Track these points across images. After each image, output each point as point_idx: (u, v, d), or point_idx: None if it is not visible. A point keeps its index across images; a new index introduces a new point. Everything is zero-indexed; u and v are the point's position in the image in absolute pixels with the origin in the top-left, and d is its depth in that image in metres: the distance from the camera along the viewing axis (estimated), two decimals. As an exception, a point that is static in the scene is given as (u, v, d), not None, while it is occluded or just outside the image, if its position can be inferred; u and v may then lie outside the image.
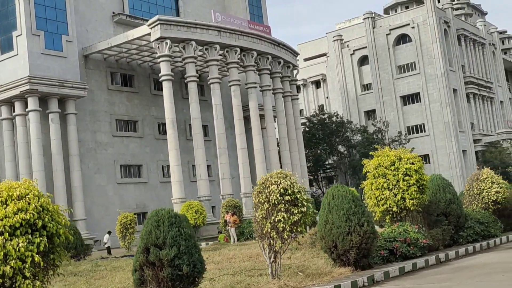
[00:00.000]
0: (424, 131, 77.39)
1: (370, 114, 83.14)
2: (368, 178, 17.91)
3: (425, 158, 77.68)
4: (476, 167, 32.40)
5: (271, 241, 12.72)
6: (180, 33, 47.11)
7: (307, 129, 77.54)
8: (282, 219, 12.63)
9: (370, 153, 19.80)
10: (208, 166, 53.89)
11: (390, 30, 79.64)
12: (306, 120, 78.24)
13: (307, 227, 21.41)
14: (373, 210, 17.74)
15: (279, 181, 12.98)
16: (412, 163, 17.53)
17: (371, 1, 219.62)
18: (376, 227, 17.36)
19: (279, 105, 55.83)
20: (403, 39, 79.59)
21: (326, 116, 77.98)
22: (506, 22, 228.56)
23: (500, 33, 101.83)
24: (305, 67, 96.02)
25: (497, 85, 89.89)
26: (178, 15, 57.89)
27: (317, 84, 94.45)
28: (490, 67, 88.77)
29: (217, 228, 42.14)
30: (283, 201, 12.78)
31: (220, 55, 50.15)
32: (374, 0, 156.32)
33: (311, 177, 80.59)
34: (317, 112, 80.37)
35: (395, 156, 17.61)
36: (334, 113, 78.66)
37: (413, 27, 77.61)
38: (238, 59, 50.91)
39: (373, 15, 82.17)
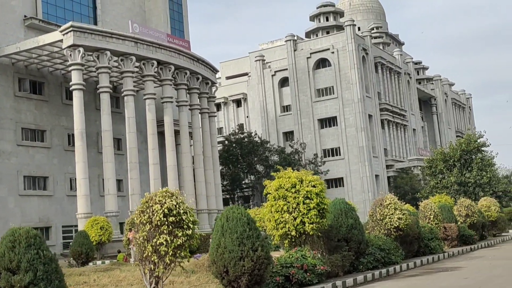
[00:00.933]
0: (339, 155, 78.58)
1: (289, 135, 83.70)
2: (268, 200, 17.27)
3: (339, 181, 78.90)
4: (380, 192, 32.66)
5: (152, 266, 11.77)
6: (94, 41, 45.40)
7: (225, 148, 77.02)
8: (165, 242, 11.71)
9: (272, 173, 19.21)
10: (120, 181, 52.07)
11: (310, 53, 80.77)
12: (224, 139, 77.70)
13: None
14: (271, 233, 17.09)
15: (163, 200, 12.06)
16: (314, 186, 17.04)
17: (295, 24, 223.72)
18: (276, 252, 16.68)
19: (196, 121, 54.89)
20: (323, 63, 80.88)
21: (244, 135, 77.69)
22: (421, 54, 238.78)
23: (416, 63, 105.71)
24: (227, 85, 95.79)
25: (410, 113, 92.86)
26: (95, 23, 55.97)
27: (238, 103, 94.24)
28: (404, 95, 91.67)
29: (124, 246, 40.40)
30: (166, 223, 11.87)
31: (136, 67, 48.72)
32: (298, 23, 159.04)
33: (228, 196, 79.88)
34: (236, 130, 80.00)
35: (296, 178, 17.08)
36: (253, 132, 78.51)
37: (332, 52, 79.05)
38: (155, 72, 49.65)
39: (295, 37, 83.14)
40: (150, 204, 12.12)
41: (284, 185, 17.02)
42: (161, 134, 52.04)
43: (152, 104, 49.28)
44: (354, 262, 18.89)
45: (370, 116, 79.70)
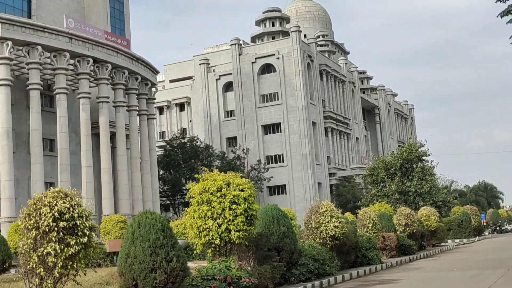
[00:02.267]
0: (283, 162, 77.62)
1: (232, 141, 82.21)
2: (191, 205, 15.67)
3: (282, 188, 77.91)
4: (316, 199, 31.45)
5: (38, 279, 10.03)
6: (25, 35, 42.86)
7: (166, 152, 74.92)
8: (53, 252, 9.98)
9: (196, 176, 17.64)
10: (51, 184, 49.24)
11: (256, 58, 79.67)
12: (166, 143, 75.61)
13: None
14: (193, 242, 15.48)
15: (54, 202, 10.34)
16: (242, 190, 15.52)
17: (242, 30, 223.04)
18: (201, 262, 15.06)
19: (133, 123, 52.74)
20: (268, 68, 79.90)
21: (186, 139, 75.75)
22: (366, 65, 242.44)
23: (360, 73, 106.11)
24: (171, 88, 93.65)
25: (354, 122, 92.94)
26: (30, 18, 53.10)
27: (181, 106, 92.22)
28: (348, 104, 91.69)
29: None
30: (56, 228, 10.14)
31: (70, 64, 46.37)
32: (245, 29, 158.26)
33: (168, 202, 77.67)
34: (177, 135, 77.93)
35: (223, 181, 15.53)
36: (195, 137, 76.59)
37: (278, 58, 78.18)
38: (91, 70, 47.38)
39: (241, 42, 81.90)
40: (38, 207, 10.38)
41: (209, 188, 15.44)
42: (97, 136, 49.70)
43: (86, 104, 46.98)
44: (285, 273, 17.48)
45: (314, 123, 79.14)
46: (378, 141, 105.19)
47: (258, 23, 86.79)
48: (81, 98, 46.85)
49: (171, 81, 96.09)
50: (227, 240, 15.24)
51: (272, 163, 77.95)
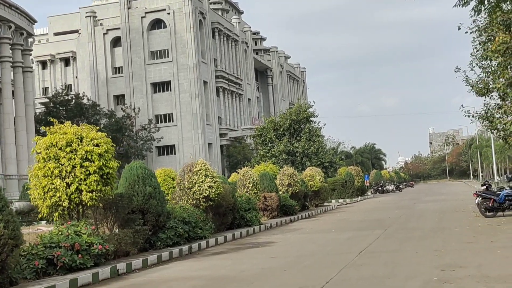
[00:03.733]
0: (172, 121, 75.54)
1: (120, 98, 78.82)
2: (37, 161, 13.67)
3: (171, 148, 76.02)
4: (191, 156, 30.06)
5: None
6: None
7: (48, 110, 70.46)
8: None
9: (42, 128, 15.63)
10: None
11: (145, 13, 76.22)
12: (48, 100, 71.07)
13: None
14: (37, 204, 13.56)
15: None
16: (97, 145, 13.72)
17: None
18: (47, 227, 13.20)
19: (6, 75, 48.64)
20: (158, 24, 76.76)
21: (71, 96, 71.55)
22: (261, 27, 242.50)
23: (254, 33, 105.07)
24: (55, 42, 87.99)
25: (246, 82, 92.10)
26: None
27: (66, 61, 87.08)
28: (241, 64, 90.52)
29: None
30: None
31: None
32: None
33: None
34: (60, 91, 73.37)
35: (74, 135, 13.61)
36: (80, 94, 72.49)
37: (168, 13, 75.19)
38: (-47, 15, 42.67)
39: (129, -6, 77.90)
40: None
41: (57, 142, 13.48)
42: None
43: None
44: (151, 238, 15.97)
45: (205, 82, 77.37)
46: (270, 103, 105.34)
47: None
48: None
49: (56, 34, 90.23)
50: (77, 202, 13.43)
51: (161, 122, 75.68)
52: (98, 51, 79.52)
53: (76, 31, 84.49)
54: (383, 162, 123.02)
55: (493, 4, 17.38)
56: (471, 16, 18.28)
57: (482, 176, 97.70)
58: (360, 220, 25.80)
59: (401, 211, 30.53)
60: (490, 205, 22.05)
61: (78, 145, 13.50)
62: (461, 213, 25.29)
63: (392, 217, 25.81)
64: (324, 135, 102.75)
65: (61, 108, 69.71)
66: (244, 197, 23.91)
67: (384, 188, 69.97)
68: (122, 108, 73.37)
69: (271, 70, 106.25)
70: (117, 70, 79.36)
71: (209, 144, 77.17)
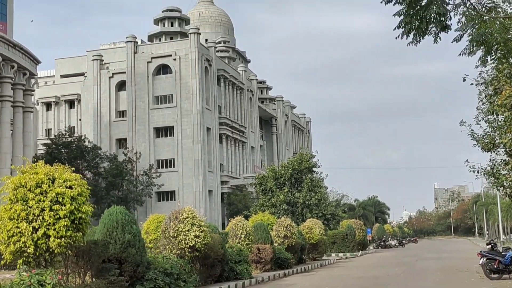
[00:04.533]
0: (173, 167, 74.62)
1: (122, 142, 78.20)
2: (3, 203, 12.71)
3: (171, 194, 74.87)
4: (178, 204, 28.71)
5: None
6: None
7: (48, 150, 69.98)
8: None
9: (12, 167, 14.72)
10: None
11: (151, 58, 76.39)
12: (50, 141, 70.65)
13: None
14: (1, 249, 12.51)
15: None
16: (70, 187, 12.77)
17: (141, 30, 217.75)
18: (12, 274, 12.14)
19: (5, 115, 47.98)
20: (164, 69, 76.84)
21: (73, 138, 71.16)
22: (266, 75, 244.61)
23: (260, 82, 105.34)
24: (61, 83, 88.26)
25: (250, 130, 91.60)
26: None
27: (71, 104, 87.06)
28: (246, 112, 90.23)
29: None
30: None
31: None
32: (145, 28, 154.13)
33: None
34: (63, 133, 73.03)
35: (46, 175, 12.70)
36: (82, 136, 72.05)
37: (174, 59, 75.32)
38: (-44, 53, 42.47)
39: (137, 40, 78.33)
40: None
41: (26, 183, 12.55)
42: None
43: None
44: (127, 289, 14.82)
45: (208, 129, 76.83)
46: (274, 152, 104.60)
47: (156, 22, 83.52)
48: None
49: (62, 76, 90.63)
50: (44, 248, 12.38)
51: (162, 167, 74.78)
52: (103, 94, 79.45)
53: (82, 74, 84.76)
54: (387, 216, 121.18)
55: (500, 55, 16.67)
56: (477, 67, 17.55)
57: (487, 234, 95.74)
58: (357, 277, 24.48)
59: (401, 268, 29.18)
60: (495, 266, 20.83)
61: (49, 186, 12.55)
62: (464, 274, 23.98)
63: (391, 275, 24.51)
64: (327, 186, 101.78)
65: (62, 150, 69.17)
66: (235, 248, 22.74)
67: (387, 243, 68.29)
68: (123, 152, 72.75)
69: (276, 119, 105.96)
70: (121, 113, 79.09)
71: (210, 191, 76.03)
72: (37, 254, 12.48)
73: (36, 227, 12.33)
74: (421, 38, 14.54)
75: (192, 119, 74.22)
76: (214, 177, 77.43)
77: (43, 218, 12.37)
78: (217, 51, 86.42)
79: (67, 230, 12.40)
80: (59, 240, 12.30)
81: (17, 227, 12.30)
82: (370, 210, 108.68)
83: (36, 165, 13.00)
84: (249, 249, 24.33)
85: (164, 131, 76.24)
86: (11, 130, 49.45)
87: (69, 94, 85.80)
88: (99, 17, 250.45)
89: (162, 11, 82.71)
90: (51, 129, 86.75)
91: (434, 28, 14.50)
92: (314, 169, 55.25)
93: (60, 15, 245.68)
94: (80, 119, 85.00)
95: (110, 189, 67.80)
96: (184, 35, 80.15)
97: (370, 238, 62.08)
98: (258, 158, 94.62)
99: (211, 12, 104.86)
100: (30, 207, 12.40)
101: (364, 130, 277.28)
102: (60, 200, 12.49)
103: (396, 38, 15.10)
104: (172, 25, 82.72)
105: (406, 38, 14.93)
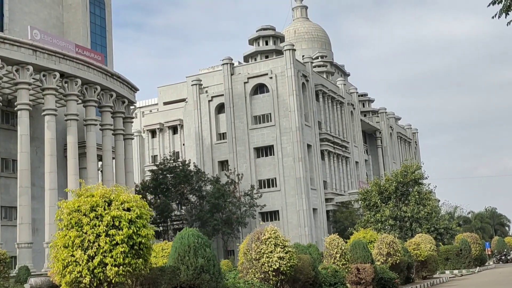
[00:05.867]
0: (275, 186, 73.59)
1: (224, 164, 78.40)
2: (59, 229, 11.90)
3: (275, 214, 73.82)
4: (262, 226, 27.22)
5: None
6: (-19, 46, 39.73)
7: (154, 176, 71.62)
8: None
9: (66, 190, 13.92)
10: (12, 208, 45.84)
11: (248, 78, 76.26)
12: (157, 167, 72.29)
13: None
14: (56, 279, 11.66)
15: None
16: (128, 209, 11.76)
17: (238, 51, 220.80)
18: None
19: (107, 143, 49.25)
20: (260, 89, 76.45)
21: (178, 163, 72.42)
22: (369, 89, 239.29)
23: (361, 95, 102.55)
24: (164, 110, 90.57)
25: (353, 145, 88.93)
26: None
27: (174, 129, 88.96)
28: (347, 126, 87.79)
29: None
30: None
31: (34, 78, 43.13)
32: (240, 49, 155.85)
33: (160, 229, 73.92)
34: (168, 158, 74.51)
35: (102, 197, 11.77)
36: (186, 161, 73.15)
37: (271, 78, 74.72)
38: (58, 85, 44.05)
39: (232, 61, 78.65)
40: None
41: (80, 207, 11.68)
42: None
43: (52, 121, 43.63)
44: (203, 319, 13.54)
45: (309, 146, 75.22)
46: (380, 166, 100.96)
47: (251, 42, 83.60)
48: (46, 115, 43.51)
49: (165, 103, 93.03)
50: (102, 278, 11.41)
51: (264, 187, 73.96)
52: (203, 118, 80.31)
53: (183, 100, 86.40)
54: (507, 228, 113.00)
55: None
56: None
57: None
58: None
59: (524, 286, 25.93)
60: None
61: (105, 209, 11.62)
62: None
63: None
64: (439, 199, 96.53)
65: (168, 175, 70.39)
66: (330, 269, 20.95)
67: (508, 257, 62.89)
68: (225, 174, 72.84)
69: (380, 132, 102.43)
70: (221, 136, 79.46)
71: (314, 209, 74.15)
72: (95, 284, 11.54)
73: (92, 254, 11.42)
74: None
75: (291, 137, 73.03)
76: (317, 194, 75.53)
77: (98, 245, 11.44)
78: (314, 66, 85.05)
79: (125, 257, 11.38)
80: (116, 269, 11.30)
81: (72, 255, 11.47)
82: (487, 222, 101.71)
83: (94, 185, 12.15)
84: (346, 270, 22.43)
85: (264, 151, 75.55)
86: (113, 158, 50.62)
87: (172, 120, 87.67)
88: (201, 45, 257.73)
89: (257, 31, 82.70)
90: (156, 155, 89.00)
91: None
92: (421, 180, 51.96)
93: (166, 46, 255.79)
94: (183, 144, 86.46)
95: (213, 212, 67.85)
96: (279, 52, 79.56)
97: (489, 253, 57.39)
98: (363, 173, 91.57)
99: (306, 28, 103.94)
100: (85, 233, 11.53)
101: (477, 139, 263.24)
102: (117, 224, 11.51)
103: (493, 17, 13.06)
104: (267, 44, 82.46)
105: (506, 17, 12.86)
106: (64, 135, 46.62)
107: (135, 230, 11.66)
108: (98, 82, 47.16)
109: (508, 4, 12.70)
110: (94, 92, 47.11)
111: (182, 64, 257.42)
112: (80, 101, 47.01)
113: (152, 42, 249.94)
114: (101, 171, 50.01)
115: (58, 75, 43.51)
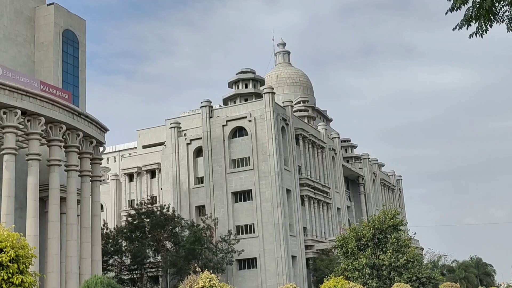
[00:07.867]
0: (253, 232, 71.16)
1: (201, 209, 76.09)
2: None
3: (252, 261, 71.15)
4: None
5: None
6: None
7: (128, 220, 69.21)
8: None
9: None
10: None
11: (227, 121, 74.81)
12: (134, 212, 69.90)
13: None
14: None
15: None
16: (1, 250, 9.70)
17: (218, 95, 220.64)
18: None
19: (71, 185, 46.92)
20: (239, 132, 74.95)
21: (156, 206, 70.25)
22: (355, 135, 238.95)
23: (344, 141, 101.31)
24: (142, 154, 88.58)
25: (335, 191, 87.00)
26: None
27: (152, 173, 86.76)
28: (328, 171, 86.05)
29: None
30: None
31: (-5, 117, 41.21)
32: (221, 93, 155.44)
33: (132, 276, 70.86)
34: (146, 201, 72.20)
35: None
36: (166, 205, 70.90)
37: (250, 121, 73.31)
38: (20, 123, 42.11)
39: (211, 104, 77.29)
40: None
41: None
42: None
43: (11, 161, 41.61)
44: None
45: (288, 191, 73.23)
46: (363, 212, 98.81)
47: (231, 85, 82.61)
48: (5, 155, 41.40)
49: (144, 146, 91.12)
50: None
51: (242, 233, 71.53)
52: (181, 161, 78.41)
53: (162, 143, 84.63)
54: (492, 278, 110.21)
55: None
56: None
57: None
58: None
59: None
60: None
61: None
62: None
63: None
64: (423, 247, 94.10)
65: (145, 219, 68.04)
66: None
67: (493, 308, 60.43)
68: (201, 219, 70.47)
69: (363, 178, 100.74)
70: (199, 180, 77.41)
71: (293, 257, 71.60)
72: None
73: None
74: (487, 25, 11.14)
75: (270, 181, 71.11)
76: (297, 241, 73.13)
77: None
78: (296, 111, 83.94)
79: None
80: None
81: None
82: (472, 271, 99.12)
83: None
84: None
85: (242, 195, 73.44)
86: (78, 200, 48.30)
87: (150, 164, 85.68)
88: (188, 92, 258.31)
89: (236, 74, 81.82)
90: (134, 199, 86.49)
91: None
92: (400, 226, 49.86)
93: (155, 93, 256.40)
94: (161, 188, 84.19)
95: (189, 258, 65.16)
96: (258, 96, 78.46)
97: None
98: (345, 219, 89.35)
99: (288, 73, 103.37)
100: None
101: (463, 189, 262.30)
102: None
103: (454, 29, 11.55)
104: (246, 87, 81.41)
105: (467, 28, 11.38)
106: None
107: (6, 278, 9.57)
108: (63, 121, 45.24)
109: (470, 14, 11.17)
110: (59, 131, 45.14)
111: (167, 110, 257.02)
112: (44, 140, 44.97)
113: (141, 88, 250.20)
114: (64, 214, 47.53)
115: (19, 112, 41.63)
